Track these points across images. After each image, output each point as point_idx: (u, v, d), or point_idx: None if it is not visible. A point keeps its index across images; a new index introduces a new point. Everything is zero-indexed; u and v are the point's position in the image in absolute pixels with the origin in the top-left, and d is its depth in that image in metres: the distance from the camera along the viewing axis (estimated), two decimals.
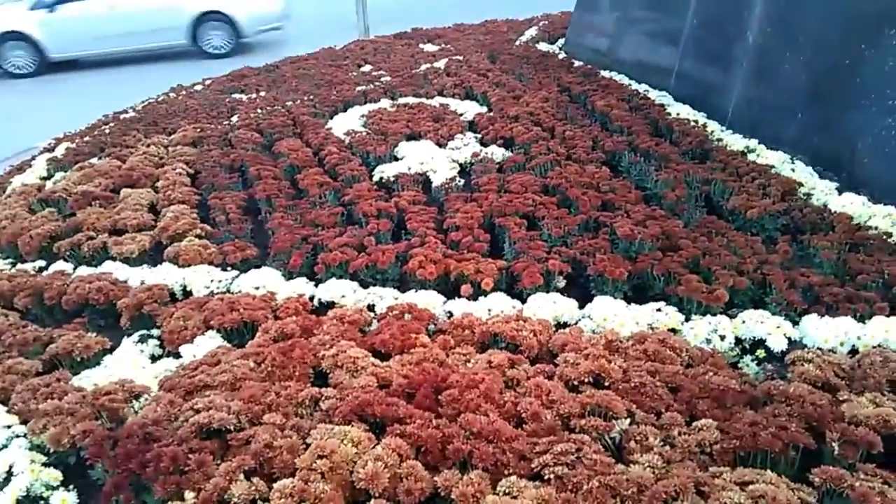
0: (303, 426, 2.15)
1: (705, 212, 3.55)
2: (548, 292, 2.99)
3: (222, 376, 2.42)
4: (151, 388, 2.54)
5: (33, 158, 5.87)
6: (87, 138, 6.14)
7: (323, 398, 2.28)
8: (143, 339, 3.01)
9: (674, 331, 2.63)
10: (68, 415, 2.32)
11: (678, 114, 4.92)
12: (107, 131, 6.28)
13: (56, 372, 2.70)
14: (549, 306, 2.84)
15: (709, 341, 2.54)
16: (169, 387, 2.44)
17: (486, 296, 3.02)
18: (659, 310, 2.72)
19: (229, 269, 3.50)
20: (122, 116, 6.83)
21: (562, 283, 3.09)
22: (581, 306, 2.87)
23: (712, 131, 4.54)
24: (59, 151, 5.83)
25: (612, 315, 2.70)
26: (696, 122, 4.71)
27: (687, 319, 2.69)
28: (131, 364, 2.78)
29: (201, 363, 2.59)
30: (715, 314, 2.69)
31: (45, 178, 5.30)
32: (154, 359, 2.90)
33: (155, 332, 3.07)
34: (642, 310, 2.73)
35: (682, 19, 5.67)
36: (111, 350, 2.95)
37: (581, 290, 3.08)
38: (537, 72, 6.69)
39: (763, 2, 4.63)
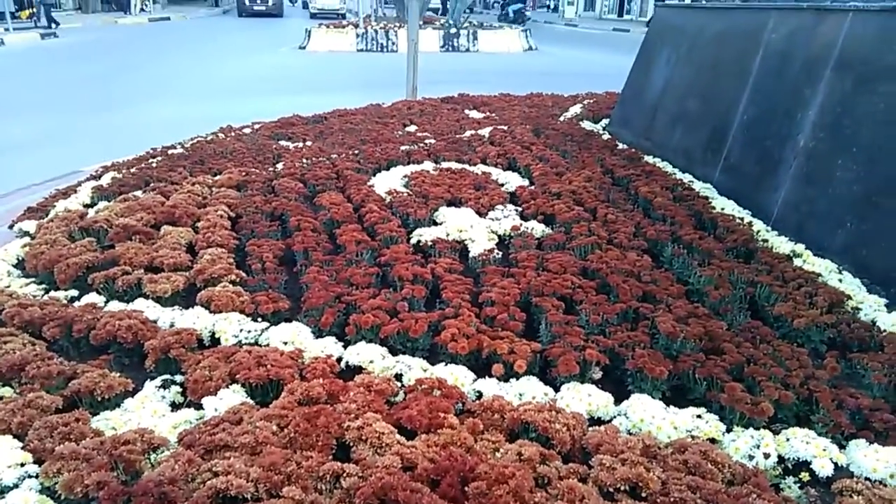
0: None
1: (749, 315, 3.45)
2: (582, 382, 2.90)
3: (244, 437, 2.35)
4: (170, 440, 2.48)
5: (79, 184, 5.98)
6: (133, 170, 6.24)
7: (344, 475, 2.19)
8: (165, 385, 2.95)
9: (713, 440, 2.52)
10: (84, 461, 2.25)
11: (723, 209, 4.87)
12: (153, 165, 6.39)
13: (76, 411, 2.65)
14: (583, 398, 2.74)
15: (751, 457, 2.42)
16: (188, 443, 2.37)
17: (517, 378, 2.94)
18: (699, 416, 2.62)
19: (259, 319, 3.46)
20: (170, 151, 6.96)
21: (598, 374, 2.99)
22: (616, 401, 2.77)
23: (758, 230, 4.47)
24: (105, 180, 5.93)
25: (649, 417, 2.60)
26: (741, 219, 4.64)
27: (728, 430, 2.58)
28: (151, 411, 2.72)
29: (223, 419, 2.52)
30: (758, 427, 2.58)
31: (88, 206, 5.37)
32: (175, 407, 2.84)
33: (178, 377, 3.01)
34: (682, 414, 2.63)
35: (732, 113, 5.69)
36: (133, 392, 2.90)
37: (616, 384, 2.98)
38: (581, 150, 6.71)
39: (817, 105, 4.63)
